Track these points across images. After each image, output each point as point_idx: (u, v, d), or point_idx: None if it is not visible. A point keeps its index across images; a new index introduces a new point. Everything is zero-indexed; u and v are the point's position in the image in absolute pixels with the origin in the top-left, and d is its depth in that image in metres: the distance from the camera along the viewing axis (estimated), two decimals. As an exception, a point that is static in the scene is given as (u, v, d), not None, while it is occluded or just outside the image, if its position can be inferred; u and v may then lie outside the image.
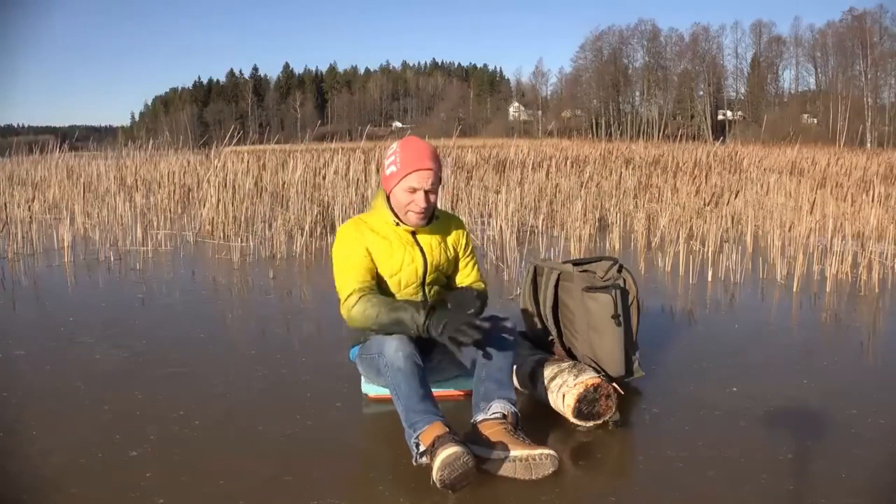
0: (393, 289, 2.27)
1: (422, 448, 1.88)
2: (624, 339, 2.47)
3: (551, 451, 1.91)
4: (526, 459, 1.90)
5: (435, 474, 1.79)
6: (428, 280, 2.30)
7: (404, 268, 2.25)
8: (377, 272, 2.24)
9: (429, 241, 2.31)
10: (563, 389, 2.25)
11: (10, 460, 2.04)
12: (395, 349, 2.04)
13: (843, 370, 2.90)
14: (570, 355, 2.53)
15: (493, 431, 1.97)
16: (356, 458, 2.09)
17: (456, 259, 2.40)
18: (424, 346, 2.17)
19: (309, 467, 1.99)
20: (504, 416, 2.02)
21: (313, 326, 3.55)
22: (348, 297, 2.16)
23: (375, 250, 2.23)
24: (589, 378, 2.23)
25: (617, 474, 2.07)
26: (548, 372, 2.36)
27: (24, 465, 2.00)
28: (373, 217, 2.30)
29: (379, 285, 2.24)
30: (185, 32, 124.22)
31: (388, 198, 2.27)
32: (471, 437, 1.98)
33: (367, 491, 1.90)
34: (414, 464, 1.90)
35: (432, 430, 1.88)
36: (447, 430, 1.88)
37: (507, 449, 1.91)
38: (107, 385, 2.62)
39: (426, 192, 2.20)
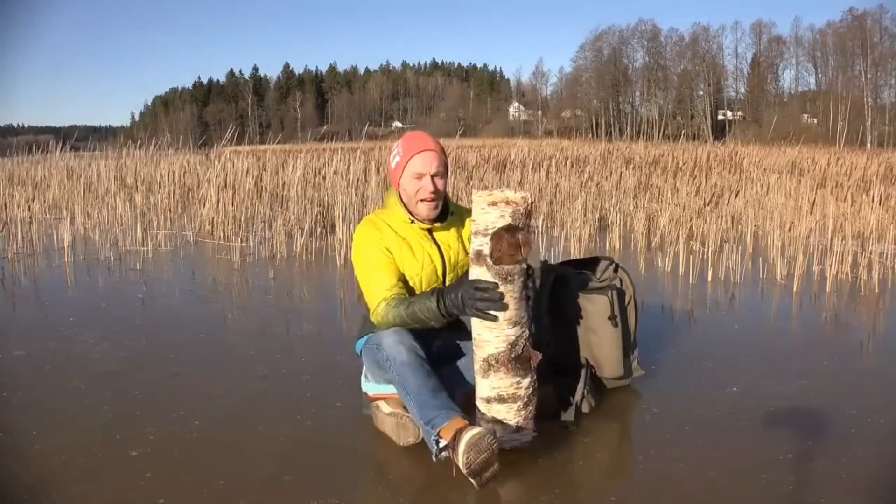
0: (416, 290, 2.18)
1: (442, 443, 1.83)
2: (622, 340, 2.47)
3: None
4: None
5: (461, 458, 1.75)
6: (448, 280, 2.21)
7: (425, 268, 2.17)
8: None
9: (446, 238, 2.23)
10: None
11: (10, 460, 2.04)
12: (394, 342, 2.01)
13: (843, 370, 2.90)
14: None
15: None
16: (356, 458, 2.09)
17: None
18: (421, 337, 2.13)
19: (309, 467, 1.99)
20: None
21: (313, 326, 3.54)
22: (377, 307, 2.09)
23: (396, 251, 2.15)
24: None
25: (617, 474, 2.07)
26: (504, 382, 1.95)
27: (24, 465, 2.00)
28: (389, 215, 2.22)
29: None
30: (185, 32, 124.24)
31: (400, 196, 2.21)
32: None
33: (367, 491, 1.90)
34: (434, 459, 1.86)
35: (453, 424, 1.84)
36: (467, 423, 1.84)
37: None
38: (107, 385, 2.62)
39: (433, 177, 2.14)
